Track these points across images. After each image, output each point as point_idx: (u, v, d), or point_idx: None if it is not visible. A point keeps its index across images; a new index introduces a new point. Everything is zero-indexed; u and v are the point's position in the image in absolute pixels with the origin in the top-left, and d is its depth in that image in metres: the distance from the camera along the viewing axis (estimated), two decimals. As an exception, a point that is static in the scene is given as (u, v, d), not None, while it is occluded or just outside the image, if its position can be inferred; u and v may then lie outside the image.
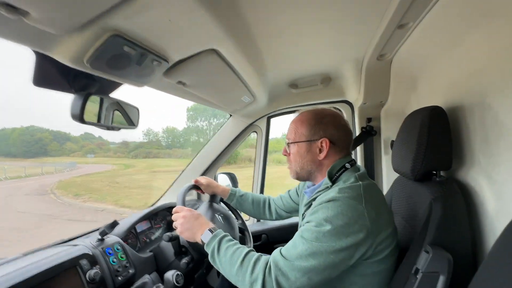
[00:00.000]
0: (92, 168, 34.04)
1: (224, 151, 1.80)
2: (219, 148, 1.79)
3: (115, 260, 0.95)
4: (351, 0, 0.74)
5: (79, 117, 0.70)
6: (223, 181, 1.80)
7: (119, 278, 0.93)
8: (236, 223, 1.25)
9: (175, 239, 1.05)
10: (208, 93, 1.22)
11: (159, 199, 1.65)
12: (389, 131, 1.52)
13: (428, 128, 0.83)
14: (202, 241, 0.83)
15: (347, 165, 0.84)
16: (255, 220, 1.90)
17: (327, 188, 0.82)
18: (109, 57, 0.62)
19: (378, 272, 0.78)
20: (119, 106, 0.91)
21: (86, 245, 0.92)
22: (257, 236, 1.71)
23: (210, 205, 1.20)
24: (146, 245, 1.25)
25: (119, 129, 0.90)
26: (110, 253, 0.95)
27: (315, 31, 0.92)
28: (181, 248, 1.10)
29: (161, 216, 1.43)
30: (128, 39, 0.61)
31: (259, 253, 0.77)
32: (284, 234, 1.74)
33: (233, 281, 0.75)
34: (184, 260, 1.05)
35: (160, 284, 1.01)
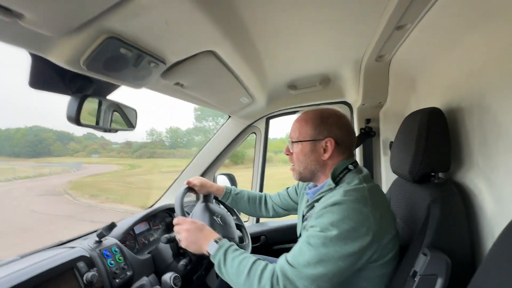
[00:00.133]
0: (98, 168, 33.70)
1: (223, 152, 1.80)
2: (218, 149, 1.78)
3: (112, 262, 0.94)
4: (349, 1, 0.74)
5: (75, 119, 0.69)
6: (222, 182, 1.80)
7: (117, 280, 0.92)
8: (234, 223, 1.25)
9: (173, 241, 1.05)
10: (206, 95, 1.22)
11: (157, 200, 1.65)
12: (388, 132, 1.52)
13: (426, 129, 0.83)
14: (208, 253, 0.82)
15: (350, 167, 0.84)
16: (254, 221, 1.90)
17: (331, 189, 0.81)
18: (106, 59, 0.62)
19: (382, 275, 0.77)
20: (117, 107, 0.90)
21: (83, 247, 0.92)
22: (256, 237, 1.70)
23: (206, 206, 1.19)
24: (144, 247, 1.24)
25: (116, 131, 0.90)
26: (107, 255, 0.95)
27: (313, 32, 0.92)
28: (179, 250, 1.09)
29: (160, 218, 1.43)
30: (124, 41, 0.61)
31: (266, 261, 0.76)
32: (283, 235, 1.73)
33: None
34: (182, 262, 1.05)
35: (158, 286, 1.01)
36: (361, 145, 1.67)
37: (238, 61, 0.96)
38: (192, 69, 0.89)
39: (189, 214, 1.23)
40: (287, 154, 0.94)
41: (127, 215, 1.41)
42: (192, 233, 0.87)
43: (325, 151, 0.85)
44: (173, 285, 0.97)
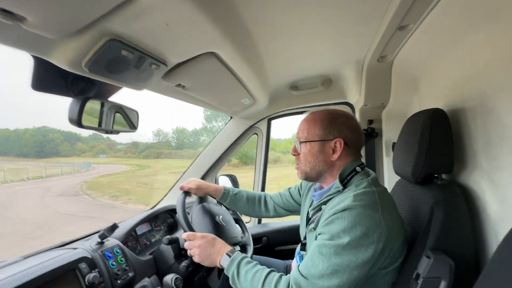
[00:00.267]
0: (108, 169, 33.56)
1: (225, 153, 1.80)
2: (219, 151, 1.79)
3: (114, 263, 0.95)
4: (351, 1, 0.74)
5: (77, 121, 0.70)
6: (224, 183, 1.80)
7: (119, 281, 0.92)
8: (233, 221, 1.26)
9: (174, 242, 1.05)
10: (208, 96, 1.22)
11: (159, 201, 1.65)
12: (390, 133, 1.51)
13: (429, 130, 0.82)
14: (221, 266, 0.82)
15: (358, 169, 0.83)
16: (256, 222, 1.90)
17: (339, 192, 0.80)
18: (107, 61, 0.62)
19: (388, 280, 0.77)
20: (119, 109, 0.91)
21: (85, 248, 0.92)
22: (257, 238, 1.70)
23: (204, 208, 1.18)
24: (146, 248, 1.25)
25: (118, 132, 0.90)
26: (109, 256, 0.95)
27: (315, 33, 0.92)
28: (180, 251, 1.09)
29: (162, 219, 1.43)
30: (125, 43, 0.61)
31: (280, 273, 0.75)
32: (285, 237, 1.73)
33: None
34: (184, 263, 1.05)
35: (159, 287, 1.01)
36: (364, 146, 1.66)
37: (240, 62, 0.96)
38: (194, 70, 0.89)
39: (188, 214, 1.23)
40: (294, 155, 0.92)
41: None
42: (204, 248, 0.87)
43: (334, 151, 0.83)
44: (175, 286, 0.97)
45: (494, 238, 0.72)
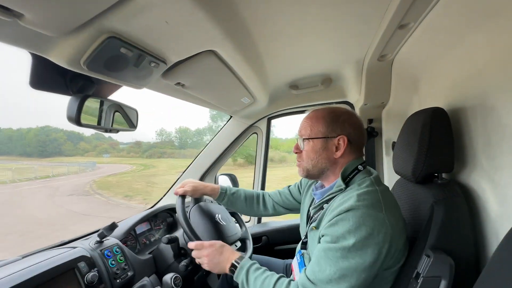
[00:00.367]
0: (113, 168, 33.27)
1: (224, 152, 1.80)
2: (219, 150, 1.78)
3: (113, 262, 0.94)
4: (352, 0, 0.73)
5: (76, 119, 0.69)
6: (223, 182, 1.80)
7: (118, 280, 0.92)
8: (233, 220, 1.26)
9: (174, 241, 1.05)
10: (207, 95, 1.22)
11: (158, 200, 1.65)
12: (390, 132, 1.51)
13: (429, 129, 0.82)
14: (230, 273, 0.83)
15: (360, 167, 0.82)
16: (256, 221, 1.89)
17: (341, 190, 0.79)
18: (106, 59, 0.62)
19: (390, 279, 0.76)
20: (119, 108, 0.90)
21: (84, 248, 0.92)
22: (257, 237, 1.70)
23: (201, 209, 1.17)
24: (145, 247, 1.24)
25: (117, 131, 0.90)
26: (108, 256, 0.95)
27: (315, 31, 0.91)
28: (180, 250, 1.09)
29: (161, 218, 1.43)
30: (125, 40, 0.61)
31: (289, 279, 0.74)
32: (285, 236, 1.73)
33: None
34: (183, 263, 1.05)
35: (159, 286, 1.00)
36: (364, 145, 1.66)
37: (239, 61, 0.96)
38: (193, 69, 0.89)
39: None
40: (297, 152, 0.91)
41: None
42: (213, 257, 0.87)
43: (337, 149, 0.83)
44: (174, 286, 0.97)
45: (494, 237, 0.72)
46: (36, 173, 24.66)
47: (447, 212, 0.74)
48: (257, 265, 0.81)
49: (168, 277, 0.98)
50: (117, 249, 1.00)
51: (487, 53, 0.73)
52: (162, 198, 1.66)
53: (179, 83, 0.97)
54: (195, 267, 1.12)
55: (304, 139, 0.87)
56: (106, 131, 0.85)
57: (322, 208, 0.83)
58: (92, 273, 0.84)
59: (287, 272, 1.22)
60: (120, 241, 1.05)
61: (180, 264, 1.04)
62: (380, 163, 1.63)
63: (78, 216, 10.31)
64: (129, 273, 0.97)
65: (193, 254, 0.92)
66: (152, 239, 1.31)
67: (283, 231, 1.74)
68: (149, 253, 1.16)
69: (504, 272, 0.50)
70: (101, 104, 0.81)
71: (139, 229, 1.27)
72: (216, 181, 1.82)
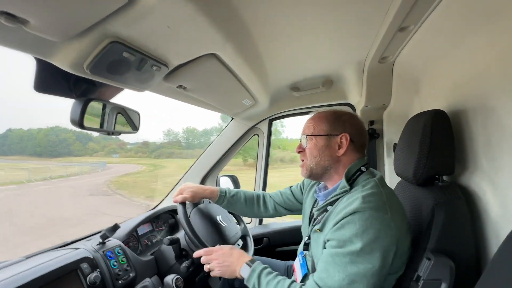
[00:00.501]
0: (123, 168, 33.23)
1: (226, 154, 1.81)
2: (220, 151, 1.79)
3: (115, 263, 0.95)
4: (352, 3, 0.74)
5: (79, 122, 0.70)
6: (225, 183, 1.80)
7: (120, 281, 0.93)
8: (233, 219, 1.27)
9: (175, 243, 1.05)
10: (209, 97, 1.22)
11: (160, 202, 1.66)
12: (391, 134, 1.51)
13: (430, 131, 0.82)
14: (241, 276, 0.82)
15: (363, 168, 0.83)
16: (257, 223, 1.90)
17: (346, 192, 0.79)
18: (109, 63, 0.63)
19: (392, 284, 0.76)
20: (121, 110, 0.91)
21: (87, 249, 0.93)
22: (258, 239, 1.70)
23: (200, 211, 1.16)
24: (147, 248, 1.25)
25: (120, 133, 0.91)
26: (111, 257, 0.96)
27: (316, 34, 0.92)
28: (181, 252, 1.10)
29: (163, 219, 1.44)
30: (127, 45, 0.62)
31: (301, 284, 0.74)
32: (286, 238, 1.73)
33: None
34: (185, 264, 1.05)
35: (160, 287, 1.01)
36: (365, 147, 1.66)
37: (240, 63, 0.97)
38: (195, 72, 0.89)
39: None
40: (300, 152, 0.92)
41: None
42: (223, 260, 0.86)
43: (339, 147, 0.84)
44: (176, 287, 0.98)
45: (495, 239, 0.72)
46: (51, 172, 24.82)
47: (448, 214, 0.74)
48: (269, 269, 0.80)
49: (170, 278, 0.99)
50: (119, 250, 1.00)
51: (487, 54, 0.73)
52: (163, 199, 1.67)
53: (180, 85, 0.98)
54: (196, 268, 1.12)
55: (307, 135, 0.88)
56: (108, 133, 0.86)
57: (326, 210, 0.83)
58: (94, 274, 0.85)
59: (289, 273, 1.22)
60: (122, 242, 1.06)
61: (182, 265, 1.05)
62: (381, 164, 1.63)
63: (108, 218, 10.10)
64: (131, 274, 0.98)
65: (202, 260, 0.90)
66: (153, 240, 1.31)
67: (284, 233, 1.74)
68: (151, 254, 1.17)
69: (505, 274, 0.50)
70: (104, 107, 0.82)
71: (141, 230, 1.28)
72: (217, 182, 1.82)
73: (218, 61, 0.89)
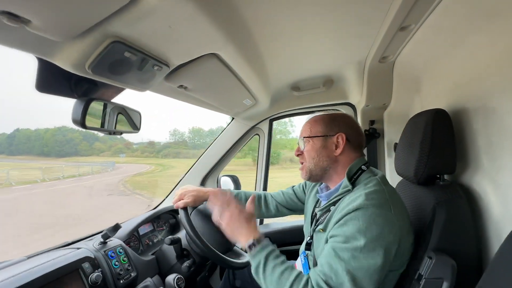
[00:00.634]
0: (132, 168, 32.95)
1: (226, 154, 1.81)
2: (221, 151, 1.79)
3: (117, 263, 0.95)
4: (353, 2, 0.74)
5: (80, 122, 0.71)
6: (226, 183, 1.80)
7: (121, 281, 0.93)
8: None
9: (176, 242, 1.06)
10: (210, 97, 1.22)
11: (161, 202, 1.66)
12: (392, 133, 1.51)
13: (431, 131, 0.82)
14: (245, 248, 0.79)
15: (364, 167, 0.83)
16: (258, 222, 1.90)
17: (348, 191, 0.79)
18: (110, 62, 0.63)
19: (393, 281, 0.76)
20: (122, 110, 0.91)
21: (88, 248, 0.93)
22: None
23: (200, 212, 1.16)
24: (148, 248, 1.25)
25: (121, 133, 0.91)
26: (112, 256, 0.96)
27: (316, 33, 0.92)
28: (183, 251, 1.10)
29: (164, 219, 1.44)
30: (129, 45, 0.62)
31: (307, 276, 0.71)
32: (288, 238, 1.72)
33: None
34: (186, 264, 1.05)
35: (162, 287, 1.01)
36: (366, 147, 1.66)
37: (241, 63, 0.97)
38: (195, 71, 0.90)
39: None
40: (298, 155, 0.93)
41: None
42: (236, 220, 0.83)
43: (336, 147, 0.85)
44: (177, 287, 0.98)
45: (497, 238, 0.72)
46: (63, 172, 24.87)
47: (449, 213, 0.74)
48: (278, 252, 0.78)
49: (171, 278, 0.99)
50: (121, 250, 1.00)
51: (489, 54, 0.73)
52: (164, 199, 1.67)
53: (181, 85, 0.98)
54: (197, 268, 1.12)
55: (304, 137, 0.90)
56: (110, 133, 0.86)
57: (329, 210, 0.83)
58: (96, 274, 0.85)
59: None
60: (123, 242, 1.06)
61: (183, 265, 1.05)
62: (382, 164, 1.63)
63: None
64: (132, 274, 0.98)
65: (216, 210, 0.87)
66: (155, 240, 1.32)
67: (286, 233, 1.74)
68: (152, 254, 1.17)
69: (506, 273, 0.50)
70: (105, 107, 0.82)
71: (142, 230, 1.28)
72: (218, 182, 1.82)
73: (219, 61, 0.89)
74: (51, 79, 0.70)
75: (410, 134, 0.92)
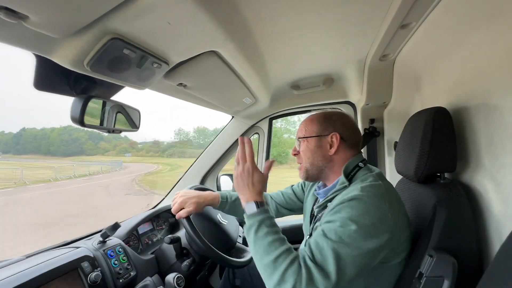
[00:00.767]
0: (140, 167, 32.84)
1: (226, 153, 1.80)
2: (221, 150, 1.79)
3: (116, 262, 0.95)
4: (353, 1, 0.74)
5: (79, 120, 0.70)
6: (225, 182, 1.80)
7: (121, 280, 0.93)
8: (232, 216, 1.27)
9: (176, 241, 1.05)
10: (209, 95, 1.22)
11: (160, 201, 1.65)
12: (392, 132, 1.50)
13: (432, 129, 0.82)
14: (244, 208, 0.80)
15: (361, 164, 0.83)
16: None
17: (345, 187, 0.80)
18: (109, 60, 0.62)
19: (391, 277, 0.76)
20: (121, 108, 0.91)
21: (87, 247, 0.93)
22: None
23: (199, 214, 1.15)
24: (148, 247, 1.25)
25: (120, 131, 0.90)
26: (111, 255, 0.95)
27: (317, 32, 0.91)
28: (182, 250, 1.09)
29: (163, 218, 1.44)
30: (127, 41, 0.61)
31: (296, 253, 0.71)
32: (288, 237, 1.71)
33: (259, 268, 0.72)
34: (186, 263, 1.05)
35: (161, 286, 1.01)
36: (366, 146, 1.66)
37: (241, 61, 0.96)
38: (195, 69, 0.89)
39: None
40: (295, 154, 0.94)
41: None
42: (245, 179, 0.82)
43: (331, 146, 0.85)
44: (176, 286, 0.97)
45: (497, 237, 0.72)
46: (75, 171, 24.96)
47: (449, 212, 0.74)
48: (274, 221, 0.78)
49: (171, 277, 0.99)
50: (120, 249, 1.00)
51: (490, 52, 0.73)
52: (163, 198, 1.67)
53: (181, 83, 0.97)
54: (197, 267, 1.12)
55: (299, 138, 0.91)
56: (109, 131, 0.85)
57: (326, 206, 0.83)
58: (95, 273, 0.85)
59: None
60: (122, 241, 1.06)
61: (183, 264, 1.05)
62: (382, 163, 1.63)
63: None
64: (132, 273, 0.98)
65: (236, 165, 0.85)
66: (154, 239, 1.31)
67: (285, 232, 1.72)
68: (152, 253, 1.17)
69: (507, 271, 0.50)
70: (104, 105, 0.81)
71: (142, 229, 1.28)
72: (218, 181, 1.82)
73: (218, 59, 0.88)
74: (50, 77, 0.69)
75: (411, 133, 0.92)
